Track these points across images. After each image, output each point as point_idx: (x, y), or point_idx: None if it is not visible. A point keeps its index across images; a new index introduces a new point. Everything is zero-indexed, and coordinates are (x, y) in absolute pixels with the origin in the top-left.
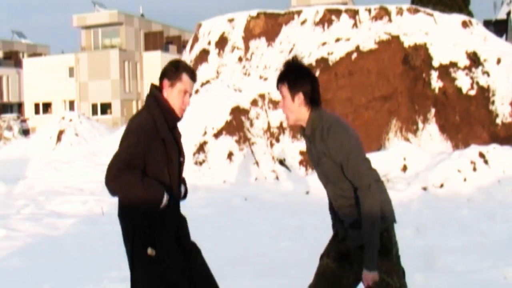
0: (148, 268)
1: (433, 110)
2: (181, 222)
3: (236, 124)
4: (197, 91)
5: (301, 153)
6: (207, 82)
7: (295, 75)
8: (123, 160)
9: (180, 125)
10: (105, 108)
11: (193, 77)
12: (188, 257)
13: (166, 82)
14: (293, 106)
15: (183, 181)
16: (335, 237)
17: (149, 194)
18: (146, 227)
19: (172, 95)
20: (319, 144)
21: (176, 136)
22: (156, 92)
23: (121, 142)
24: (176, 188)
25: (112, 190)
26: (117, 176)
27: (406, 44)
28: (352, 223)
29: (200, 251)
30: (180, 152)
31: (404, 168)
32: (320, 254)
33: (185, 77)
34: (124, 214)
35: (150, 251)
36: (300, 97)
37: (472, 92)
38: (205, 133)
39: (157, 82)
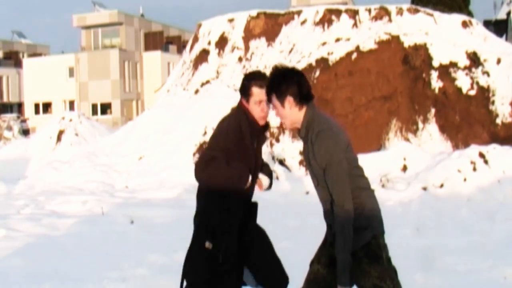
0: (201, 259)
1: (433, 110)
2: (252, 210)
3: None
4: (197, 91)
5: (301, 153)
6: (207, 82)
7: (278, 82)
8: (210, 155)
9: (180, 125)
10: (105, 108)
11: (262, 85)
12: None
13: (242, 99)
14: (285, 112)
15: (268, 173)
16: (326, 242)
17: (235, 172)
18: (215, 221)
19: (250, 107)
20: (309, 146)
21: (258, 143)
22: (243, 103)
23: (209, 142)
24: (250, 188)
25: (202, 181)
26: (206, 167)
27: (406, 44)
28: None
29: (266, 236)
30: (257, 158)
31: (404, 168)
32: (310, 260)
33: (255, 89)
34: (203, 203)
35: (207, 244)
36: (289, 100)
37: (472, 92)
38: (205, 133)
39: (157, 82)
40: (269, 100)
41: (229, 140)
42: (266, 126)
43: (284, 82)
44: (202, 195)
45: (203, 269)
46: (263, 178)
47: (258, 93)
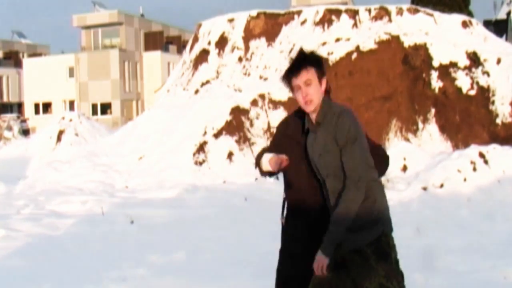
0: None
1: (433, 110)
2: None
3: (236, 124)
4: (197, 91)
5: None
6: (207, 82)
7: (319, 60)
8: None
9: (180, 125)
10: (105, 108)
11: (291, 72)
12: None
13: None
14: (319, 91)
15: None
16: None
17: (257, 157)
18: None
19: (295, 96)
20: (328, 131)
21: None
22: None
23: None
24: (299, 179)
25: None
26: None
27: (406, 44)
28: (349, 227)
29: None
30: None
31: (404, 168)
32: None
33: (293, 80)
34: None
35: (281, 218)
36: (325, 82)
37: (472, 92)
38: (205, 133)
39: (157, 82)
40: (298, 74)
41: (275, 134)
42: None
43: (323, 64)
44: None
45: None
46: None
47: (294, 80)
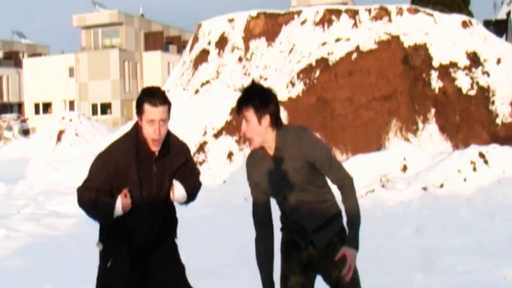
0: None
1: (433, 110)
2: (154, 249)
3: (236, 124)
4: (197, 91)
5: None
6: (207, 82)
7: (260, 97)
8: (82, 185)
9: (180, 125)
10: (105, 108)
11: (154, 103)
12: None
13: (138, 119)
14: (260, 129)
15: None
16: (291, 251)
17: (97, 212)
18: (109, 229)
19: (143, 128)
20: (292, 154)
21: (147, 168)
22: (138, 121)
23: (92, 163)
24: (142, 213)
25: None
26: (79, 201)
27: (406, 44)
28: (315, 228)
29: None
30: (142, 187)
31: (404, 168)
32: (280, 276)
33: (146, 107)
34: None
35: (98, 244)
36: (266, 119)
37: (472, 92)
38: (205, 133)
39: (157, 82)
40: (239, 113)
41: (98, 166)
42: (176, 151)
43: (265, 99)
44: None
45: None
46: (175, 187)
47: (149, 111)
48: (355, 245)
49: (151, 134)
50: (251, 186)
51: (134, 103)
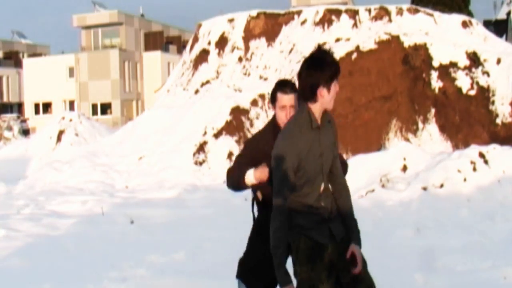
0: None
1: (433, 110)
2: None
3: (236, 124)
4: (197, 91)
5: None
6: (207, 82)
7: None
8: (233, 165)
9: (180, 125)
10: (105, 108)
11: (285, 91)
12: None
13: (273, 107)
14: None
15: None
16: (316, 258)
17: (235, 175)
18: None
19: (277, 113)
20: (327, 135)
21: None
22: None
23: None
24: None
25: (229, 187)
26: (227, 179)
27: (406, 44)
28: (336, 216)
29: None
30: None
31: (404, 168)
32: (306, 285)
33: (279, 95)
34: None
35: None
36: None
37: (472, 92)
38: (205, 133)
39: (157, 82)
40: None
41: (247, 149)
42: None
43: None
44: None
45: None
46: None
47: (281, 99)
48: (359, 242)
49: (283, 118)
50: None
51: (134, 103)
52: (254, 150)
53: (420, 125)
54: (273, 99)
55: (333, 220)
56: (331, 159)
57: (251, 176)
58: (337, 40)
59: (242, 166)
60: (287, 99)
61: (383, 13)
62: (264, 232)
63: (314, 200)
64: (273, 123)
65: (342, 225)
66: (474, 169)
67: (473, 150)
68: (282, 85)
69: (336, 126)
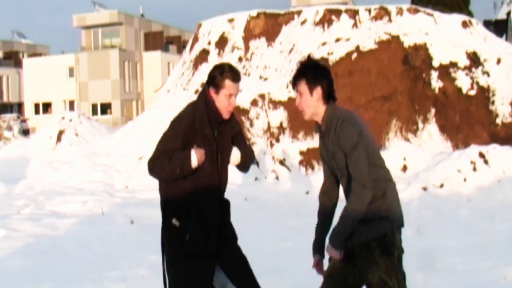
0: (173, 238)
1: (433, 110)
2: (224, 207)
3: None
4: (197, 91)
5: (301, 153)
6: None
7: (312, 71)
8: (154, 154)
9: None
10: (105, 108)
11: (235, 79)
12: (223, 244)
13: (211, 89)
14: (311, 101)
15: (245, 149)
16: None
17: (174, 164)
18: (175, 205)
19: (218, 99)
20: (333, 139)
21: (221, 132)
22: (206, 92)
23: (163, 134)
24: (216, 176)
25: (154, 177)
26: (151, 168)
27: (406, 44)
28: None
29: (236, 242)
30: (219, 146)
31: (404, 168)
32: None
33: (228, 82)
34: (160, 193)
35: (174, 221)
36: (318, 91)
37: (472, 92)
38: None
39: (157, 82)
40: (294, 86)
41: (177, 132)
42: (232, 120)
43: (318, 73)
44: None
45: (176, 249)
46: (233, 153)
47: (230, 86)
48: (335, 245)
49: (227, 106)
50: (321, 156)
51: (134, 103)
52: (187, 131)
53: (420, 125)
54: (218, 84)
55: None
56: None
57: (195, 158)
58: (337, 40)
59: (176, 150)
60: (236, 88)
61: (383, 13)
62: (193, 248)
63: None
64: (206, 106)
65: (372, 233)
66: (474, 169)
67: (473, 150)
68: (233, 72)
69: None
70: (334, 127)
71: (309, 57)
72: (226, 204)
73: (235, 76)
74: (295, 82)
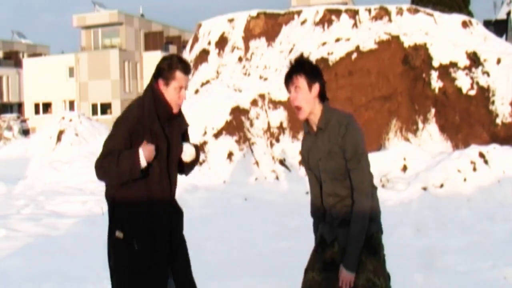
0: (116, 251)
1: (433, 110)
2: (175, 215)
3: (236, 124)
4: (197, 91)
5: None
6: (207, 82)
7: (311, 66)
8: (101, 155)
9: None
10: (105, 108)
11: (186, 71)
12: (172, 254)
13: (161, 82)
14: (310, 97)
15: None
16: (318, 247)
17: (121, 166)
18: (123, 213)
19: (168, 91)
20: (332, 140)
21: (171, 128)
22: (153, 85)
23: (108, 133)
24: (166, 176)
25: (101, 180)
26: (98, 171)
27: (406, 44)
28: (342, 221)
29: (186, 251)
30: (170, 144)
31: (404, 168)
32: (304, 268)
33: (178, 74)
34: (107, 199)
35: (117, 233)
36: (316, 88)
37: (472, 92)
38: (205, 133)
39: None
40: (290, 80)
41: (123, 130)
42: (181, 116)
43: (317, 70)
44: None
45: (122, 263)
46: (184, 147)
47: (181, 78)
48: (349, 267)
49: (177, 99)
50: (302, 160)
51: None
52: (134, 128)
53: (420, 125)
54: (167, 76)
55: (341, 225)
56: None
57: (143, 156)
58: (337, 40)
59: (123, 150)
60: (186, 80)
61: (383, 13)
62: (140, 261)
63: None
64: (155, 100)
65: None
66: (474, 169)
67: (473, 150)
68: (184, 64)
69: None
70: (337, 127)
71: (302, 55)
72: (176, 208)
73: (186, 67)
74: (292, 75)
